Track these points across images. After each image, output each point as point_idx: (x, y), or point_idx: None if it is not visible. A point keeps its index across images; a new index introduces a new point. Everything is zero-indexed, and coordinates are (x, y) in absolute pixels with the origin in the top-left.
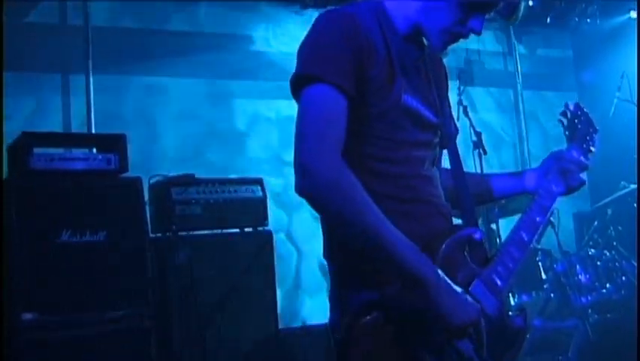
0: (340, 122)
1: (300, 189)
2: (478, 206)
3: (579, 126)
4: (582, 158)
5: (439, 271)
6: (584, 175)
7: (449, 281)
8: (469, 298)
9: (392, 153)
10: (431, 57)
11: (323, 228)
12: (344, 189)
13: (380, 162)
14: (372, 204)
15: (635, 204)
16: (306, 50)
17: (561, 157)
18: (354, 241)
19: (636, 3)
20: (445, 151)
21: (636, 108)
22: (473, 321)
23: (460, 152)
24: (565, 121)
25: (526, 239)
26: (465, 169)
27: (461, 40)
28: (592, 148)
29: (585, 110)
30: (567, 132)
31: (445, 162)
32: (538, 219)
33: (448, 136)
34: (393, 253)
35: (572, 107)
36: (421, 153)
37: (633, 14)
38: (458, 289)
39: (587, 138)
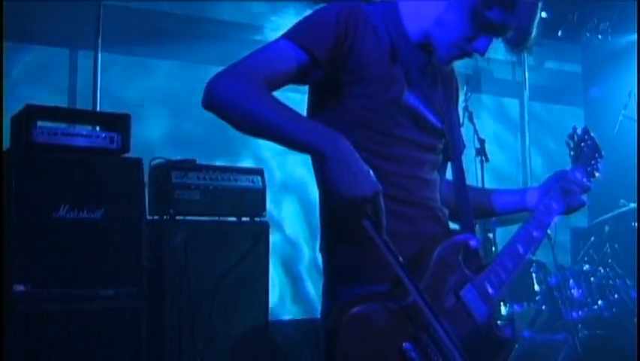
0: (274, 70)
1: (201, 103)
2: (477, 220)
3: (585, 150)
4: (585, 180)
5: (343, 143)
6: (585, 197)
7: (353, 154)
8: (371, 174)
9: (388, 149)
10: (442, 68)
11: (320, 224)
12: (229, 86)
13: (374, 156)
14: (262, 92)
15: (634, 223)
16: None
17: (564, 177)
18: (256, 133)
19: None
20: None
21: (636, 125)
22: (367, 197)
23: (464, 167)
24: (571, 143)
25: (521, 252)
26: (467, 182)
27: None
28: (596, 173)
29: (592, 135)
30: (572, 153)
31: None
32: (535, 234)
33: (454, 148)
34: (289, 131)
35: (579, 131)
36: (421, 155)
37: None
38: (362, 164)
39: (592, 162)
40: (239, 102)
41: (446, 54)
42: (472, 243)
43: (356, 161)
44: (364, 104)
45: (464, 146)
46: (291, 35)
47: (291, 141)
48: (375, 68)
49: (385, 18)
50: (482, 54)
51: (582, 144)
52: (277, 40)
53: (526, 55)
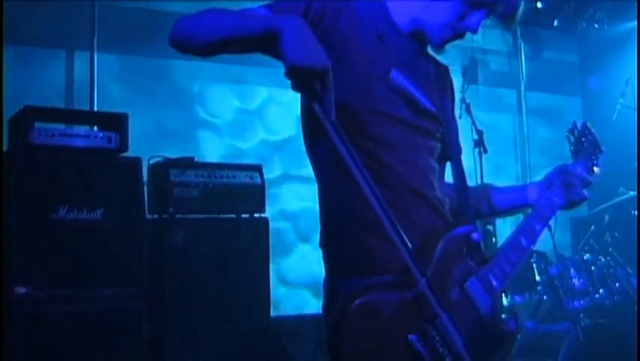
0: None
1: (167, 41)
2: (478, 219)
3: (585, 144)
4: (586, 174)
5: (300, 22)
6: (586, 191)
7: (308, 31)
8: (323, 51)
9: (378, 128)
10: (436, 63)
11: (320, 217)
12: (191, 18)
13: (366, 140)
14: (216, 10)
15: (633, 211)
16: None
17: (566, 171)
18: (215, 41)
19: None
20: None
21: (636, 114)
22: (316, 67)
23: (464, 167)
24: (572, 138)
25: (524, 245)
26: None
27: (466, 36)
28: (596, 168)
29: (592, 130)
30: (572, 148)
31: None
32: (537, 227)
33: (453, 146)
34: (247, 24)
35: (579, 126)
36: (417, 140)
37: None
38: (316, 41)
39: (592, 157)
40: (196, 24)
41: (439, 37)
42: (475, 235)
43: (310, 36)
44: (347, 85)
45: (461, 149)
46: (265, 4)
47: (251, 33)
48: (357, 54)
49: (373, 13)
50: (474, 32)
51: (582, 138)
52: (252, 8)
53: (522, 45)
